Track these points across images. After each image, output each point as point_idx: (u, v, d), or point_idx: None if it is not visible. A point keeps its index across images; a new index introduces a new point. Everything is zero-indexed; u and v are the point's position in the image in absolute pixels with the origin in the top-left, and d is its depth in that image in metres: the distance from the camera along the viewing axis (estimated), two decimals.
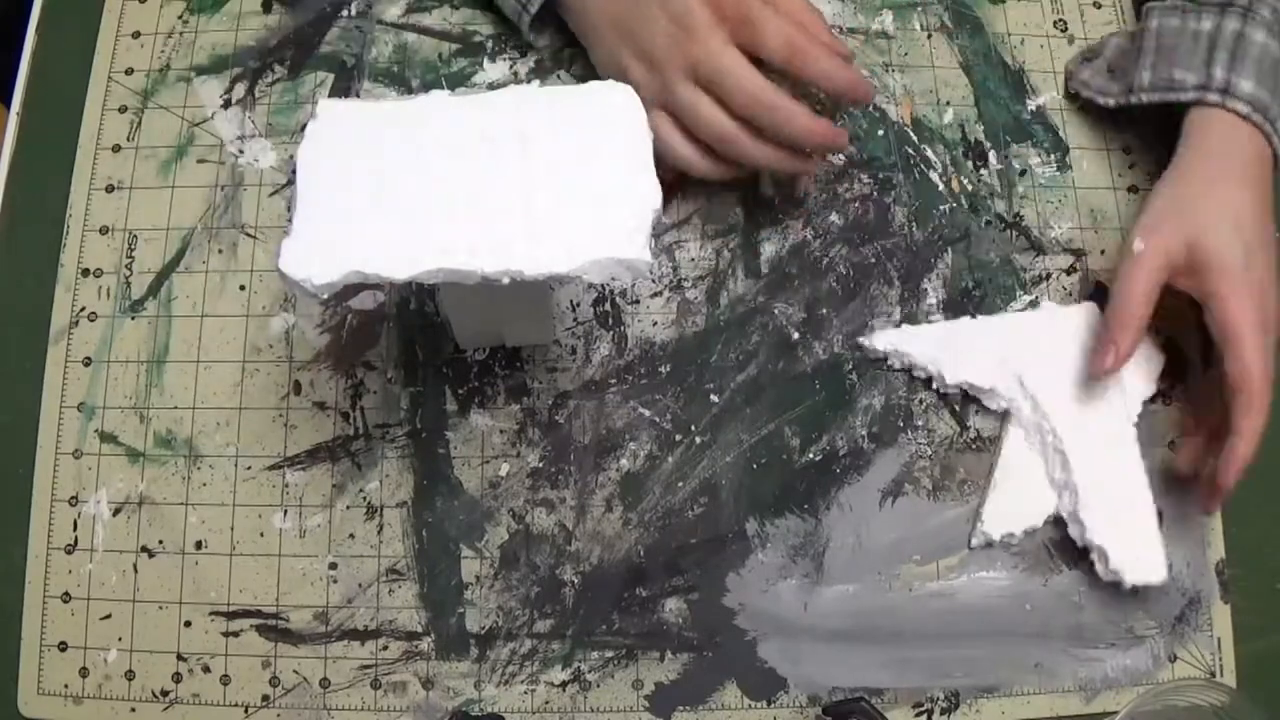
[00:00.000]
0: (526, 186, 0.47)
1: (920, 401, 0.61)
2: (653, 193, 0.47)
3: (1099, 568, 0.57)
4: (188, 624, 0.57)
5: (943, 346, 0.60)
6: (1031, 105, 0.67)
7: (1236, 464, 0.54)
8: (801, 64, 0.55)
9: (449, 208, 0.46)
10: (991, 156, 0.66)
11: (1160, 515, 0.59)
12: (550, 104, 0.49)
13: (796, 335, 0.62)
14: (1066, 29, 0.68)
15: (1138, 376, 0.60)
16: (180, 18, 0.67)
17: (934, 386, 0.61)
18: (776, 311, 0.62)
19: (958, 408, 0.61)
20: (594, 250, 0.46)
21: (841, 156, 0.64)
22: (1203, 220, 0.56)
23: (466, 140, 0.48)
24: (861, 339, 0.61)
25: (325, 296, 0.46)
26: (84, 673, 0.57)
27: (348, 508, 0.59)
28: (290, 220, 0.46)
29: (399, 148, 0.48)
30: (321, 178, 0.47)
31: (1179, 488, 0.60)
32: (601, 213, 0.47)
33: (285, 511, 0.59)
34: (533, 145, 0.48)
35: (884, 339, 0.60)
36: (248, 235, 0.63)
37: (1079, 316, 0.60)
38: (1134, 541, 0.56)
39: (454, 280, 0.46)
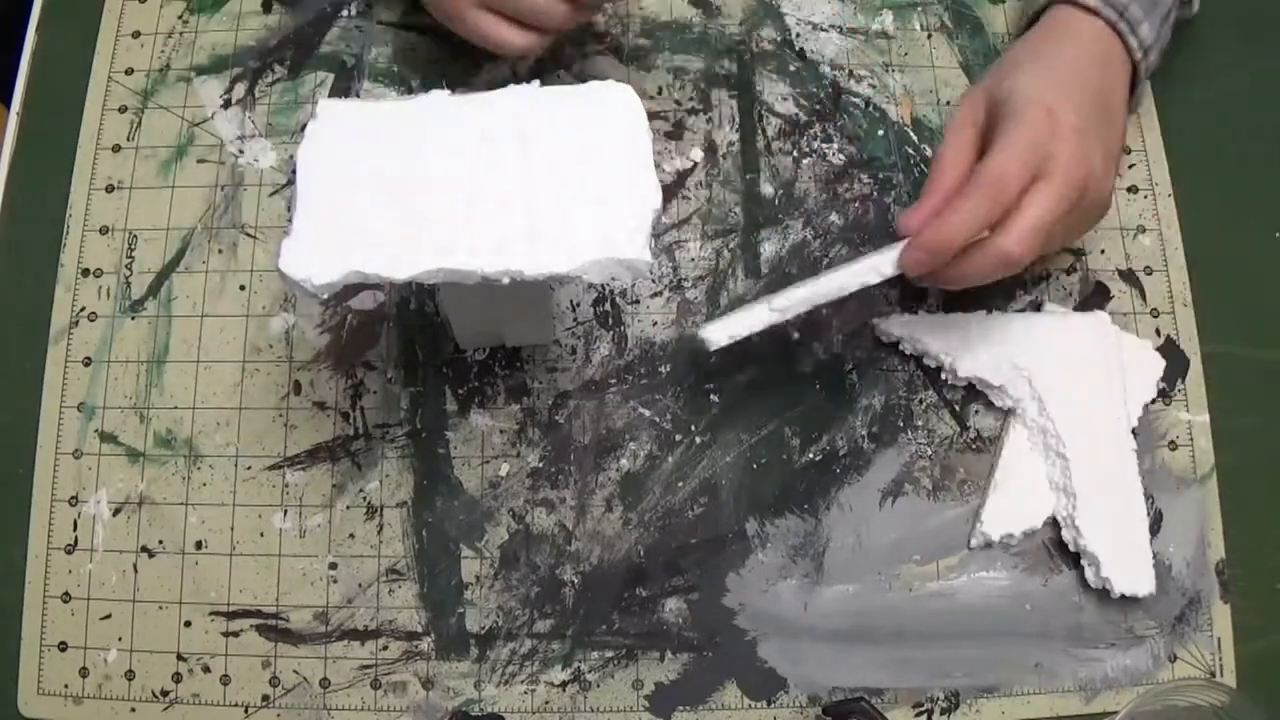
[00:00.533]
0: (526, 187, 0.47)
1: (920, 401, 0.61)
2: (653, 193, 0.47)
3: (1089, 574, 0.57)
4: (188, 624, 0.57)
5: (956, 337, 0.60)
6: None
7: (927, 244, 0.51)
8: None
9: (449, 208, 0.46)
10: None
11: (1160, 516, 0.59)
12: (550, 104, 0.49)
13: (796, 335, 0.62)
14: None
15: (1139, 381, 0.60)
16: (180, 18, 0.67)
17: (942, 377, 0.61)
18: None
19: (958, 408, 0.61)
20: (594, 250, 0.46)
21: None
22: (1009, 69, 0.56)
23: (466, 140, 0.48)
24: (875, 321, 0.61)
25: (325, 296, 0.46)
26: (84, 673, 0.57)
27: (348, 508, 0.59)
28: (290, 220, 0.46)
29: (399, 148, 0.48)
30: (321, 178, 0.47)
31: (1178, 488, 0.60)
32: (601, 213, 0.47)
33: (285, 511, 0.59)
34: (533, 145, 0.48)
35: (898, 324, 0.60)
36: (248, 235, 0.63)
37: (1092, 324, 0.60)
38: (1125, 553, 0.56)
39: (454, 280, 0.46)
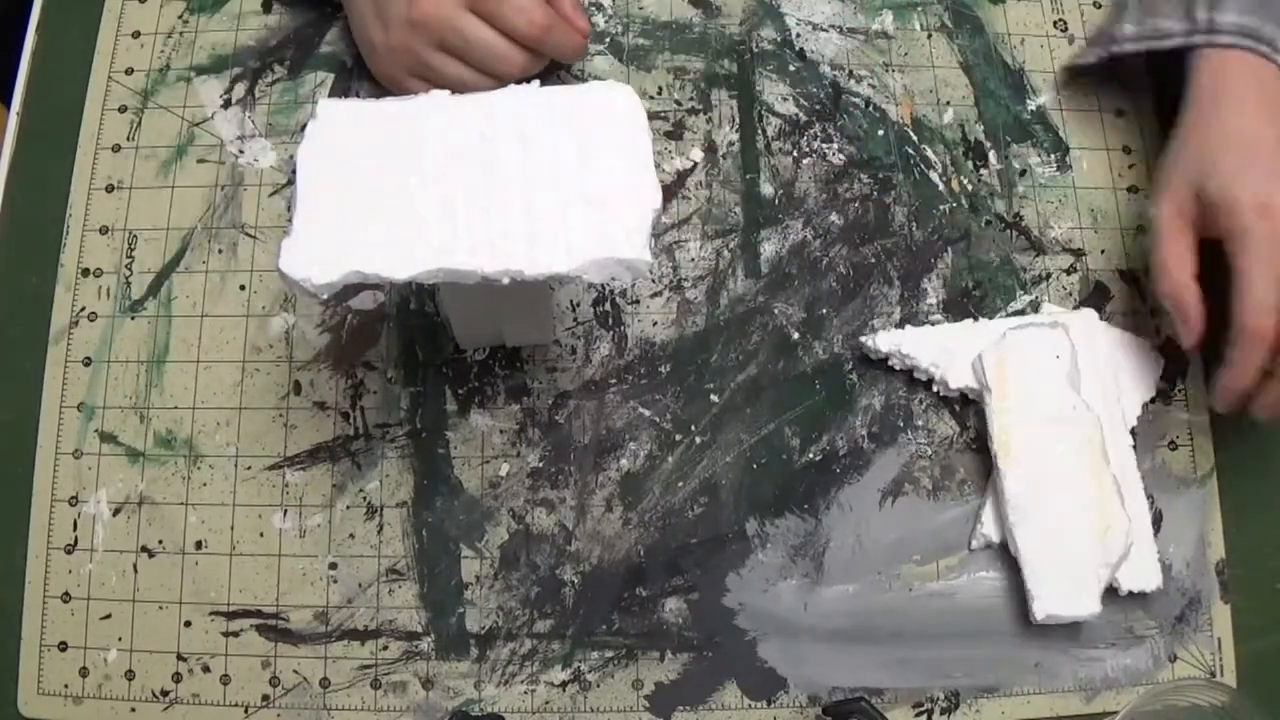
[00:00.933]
0: (526, 187, 0.47)
1: (920, 401, 0.61)
2: (653, 193, 0.47)
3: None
4: (188, 624, 0.57)
5: (945, 349, 0.60)
6: (1031, 105, 0.67)
7: (1222, 391, 0.54)
8: (540, 43, 0.58)
9: (449, 208, 0.46)
10: (991, 156, 0.66)
11: (1160, 515, 0.59)
12: (550, 104, 0.49)
13: (796, 335, 0.62)
14: (1066, 29, 0.68)
15: (1136, 380, 0.60)
16: (180, 18, 0.67)
17: (934, 389, 0.61)
18: (776, 311, 0.62)
19: (958, 408, 0.61)
20: (594, 250, 0.46)
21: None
22: (1206, 159, 0.54)
23: (466, 140, 0.48)
24: (863, 339, 0.61)
25: (325, 296, 0.46)
26: (84, 673, 0.57)
27: (348, 508, 0.59)
28: (290, 220, 0.46)
29: (399, 148, 0.48)
30: (321, 178, 0.47)
31: (1178, 488, 0.60)
32: (601, 213, 0.47)
33: (285, 511, 0.59)
34: (533, 145, 0.48)
35: (886, 340, 0.60)
36: (248, 235, 0.63)
37: (1080, 322, 0.60)
38: (1130, 550, 0.56)
39: (454, 280, 0.46)
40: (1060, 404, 0.57)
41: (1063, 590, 0.55)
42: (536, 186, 0.47)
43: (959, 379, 0.59)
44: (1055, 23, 0.68)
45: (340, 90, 0.66)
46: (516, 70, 0.59)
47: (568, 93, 0.49)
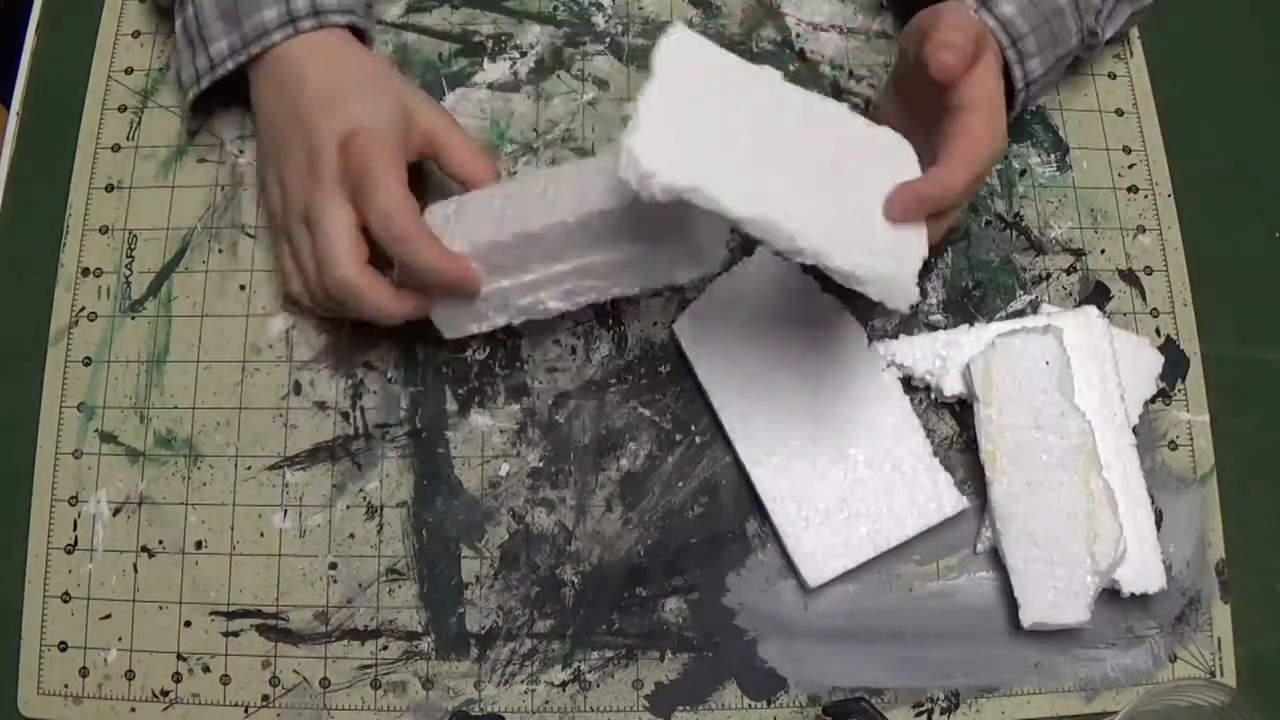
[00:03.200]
0: (835, 187, 0.50)
1: (920, 402, 0.61)
2: (922, 245, 0.51)
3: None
4: (188, 624, 0.57)
5: (939, 356, 0.60)
6: (1031, 105, 0.67)
7: (914, 196, 0.52)
8: (400, 250, 0.53)
9: (775, 171, 0.49)
10: None
11: (1160, 516, 0.59)
12: (853, 129, 0.52)
13: None
14: None
15: (1138, 378, 0.60)
16: None
17: (931, 396, 0.61)
18: None
19: (957, 409, 0.61)
20: (884, 267, 0.49)
21: None
22: (985, 62, 0.55)
23: (791, 122, 0.50)
24: None
25: (658, 195, 0.46)
26: (84, 673, 0.57)
27: (348, 508, 0.59)
28: (638, 106, 0.47)
29: (739, 99, 0.50)
30: (677, 85, 0.48)
31: (1178, 488, 0.60)
32: (884, 239, 0.50)
33: (285, 511, 0.59)
34: (842, 156, 0.51)
35: (880, 349, 0.60)
36: (248, 235, 0.63)
37: (1080, 320, 0.60)
38: (1132, 551, 0.56)
39: (767, 237, 0.48)
40: (1050, 411, 0.57)
41: (1050, 598, 0.55)
42: (841, 189, 0.50)
43: (954, 386, 0.59)
44: None
45: None
46: (331, 289, 0.54)
47: (868, 128, 0.53)
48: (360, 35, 0.60)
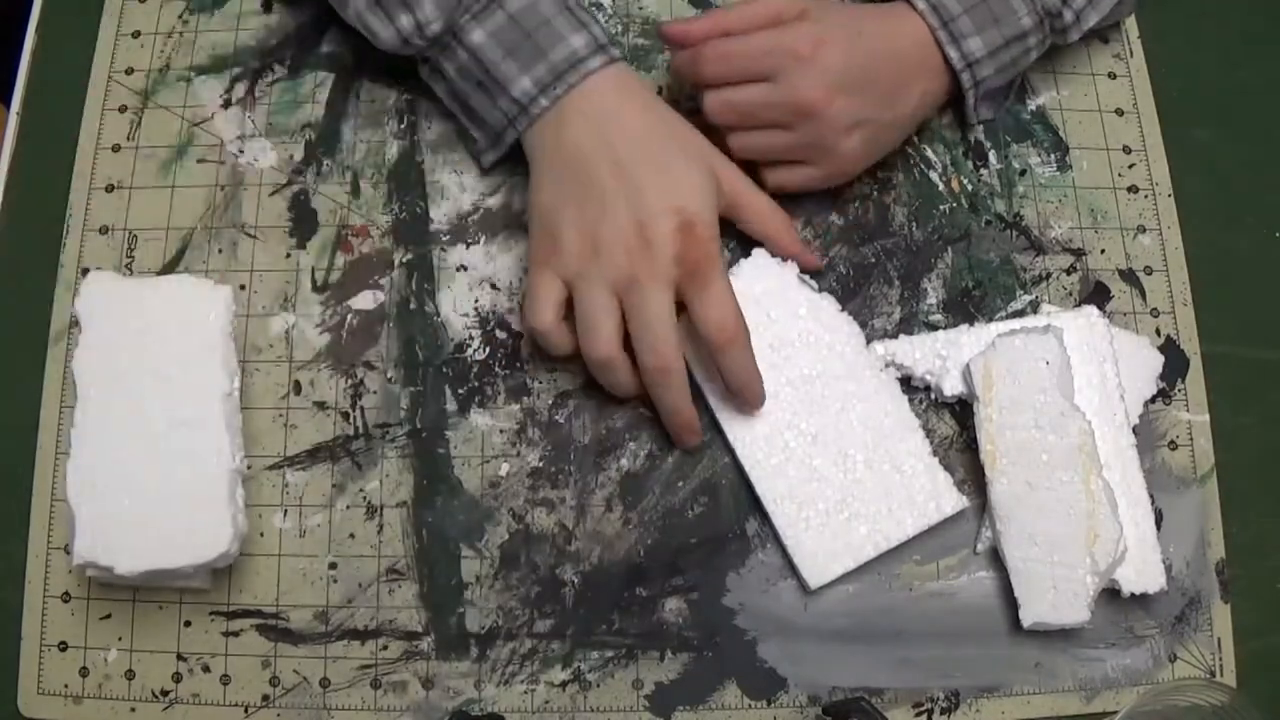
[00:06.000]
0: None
1: (920, 402, 0.61)
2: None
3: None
4: (188, 624, 0.57)
5: (940, 356, 0.60)
6: (1031, 105, 0.67)
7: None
8: (719, 351, 0.55)
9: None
10: (991, 156, 0.66)
11: (1160, 515, 0.59)
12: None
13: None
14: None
15: (1138, 378, 0.60)
16: (180, 17, 0.67)
17: (931, 396, 0.61)
18: None
19: (957, 408, 0.61)
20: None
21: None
22: (828, 9, 0.59)
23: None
24: None
25: None
26: (84, 672, 0.57)
27: (348, 508, 0.59)
28: None
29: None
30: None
31: (1178, 488, 0.60)
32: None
33: (285, 511, 0.59)
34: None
35: (880, 349, 0.60)
36: (248, 235, 0.63)
37: (1080, 320, 0.60)
38: (1132, 551, 0.56)
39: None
40: (1050, 411, 0.57)
41: (1050, 598, 0.55)
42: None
43: (954, 386, 0.59)
44: None
45: (341, 90, 0.66)
46: (634, 376, 0.57)
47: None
48: None
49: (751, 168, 0.61)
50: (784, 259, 0.60)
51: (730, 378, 0.56)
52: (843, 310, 0.60)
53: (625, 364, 0.56)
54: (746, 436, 0.58)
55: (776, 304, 0.60)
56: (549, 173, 0.57)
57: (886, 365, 0.60)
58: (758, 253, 0.60)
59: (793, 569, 0.57)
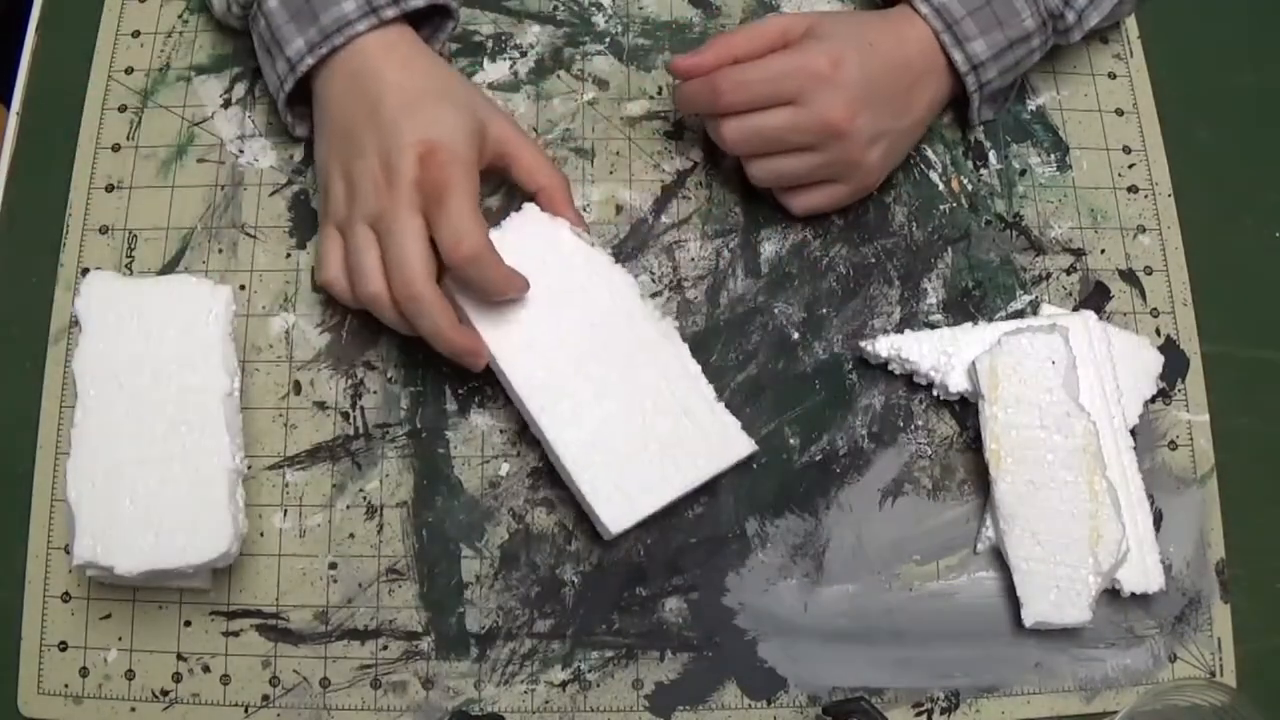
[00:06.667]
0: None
1: (920, 401, 0.61)
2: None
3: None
4: (188, 624, 0.57)
5: (944, 353, 0.60)
6: (1031, 105, 0.67)
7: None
8: (459, 269, 0.54)
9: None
10: (991, 156, 0.66)
11: (1160, 516, 0.59)
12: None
13: (796, 335, 0.62)
14: None
15: (1137, 378, 0.60)
16: (180, 17, 0.67)
17: (934, 393, 0.61)
18: (776, 311, 0.62)
19: (958, 408, 0.61)
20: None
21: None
22: (833, 21, 0.59)
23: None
24: (863, 344, 0.61)
25: None
26: (84, 672, 0.57)
27: (348, 508, 0.59)
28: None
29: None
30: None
31: (1178, 488, 0.60)
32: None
33: (285, 511, 0.59)
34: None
35: (885, 345, 0.60)
36: (248, 235, 0.63)
37: (1079, 323, 0.60)
38: (1132, 551, 0.56)
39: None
40: (1055, 410, 0.57)
41: (1052, 597, 0.55)
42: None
43: (958, 383, 0.59)
44: None
45: None
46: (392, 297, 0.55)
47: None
48: (447, 11, 0.60)
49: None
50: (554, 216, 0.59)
51: (480, 293, 0.55)
52: (616, 264, 0.59)
53: (390, 302, 0.55)
54: (532, 384, 0.56)
55: (552, 254, 0.58)
56: (321, 133, 0.59)
57: (890, 361, 0.60)
58: (529, 207, 0.59)
59: (587, 519, 0.57)
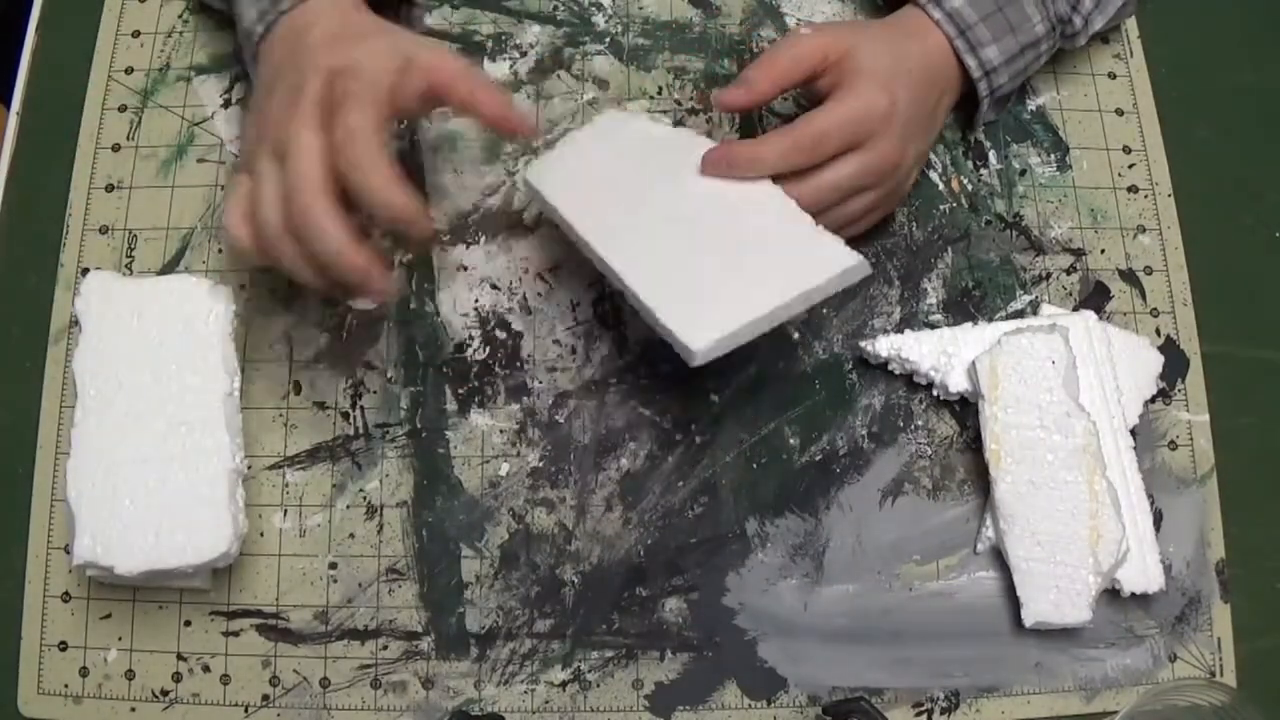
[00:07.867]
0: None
1: (920, 401, 0.61)
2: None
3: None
4: (188, 623, 0.57)
5: (944, 353, 0.60)
6: (1031, 105, 0.67)
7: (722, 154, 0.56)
8: (352, 176, 0.50)
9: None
10: (991, 156, 0.66)
11: (1160, 516, 0.59)
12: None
13: (796, 335, 0.62)
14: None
15: (1137, 378, 0.60)
16: (180, 17, 0.67)
17: (934, 393, 0.61)
18: None
19: (958, 407, 0.61)
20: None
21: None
22: (869, 43, 0.58)
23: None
24: (863, 344, 0.61)
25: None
26: (84, 672, 0.57)
27: (348, 507, 0.59)
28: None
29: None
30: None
31: (1178, 488, 0.60)
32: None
33: (285, 511, 0.59)
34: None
35: (885, 345, 0.60)
36: None
37: (1079, 323, 0.60)
38: (1132, 551, 0.56)
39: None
40: (1055, 410, 0.57)
41: (1052, 597, 0.55)
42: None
43: (959, 383, 0.59)
44: None
45: None
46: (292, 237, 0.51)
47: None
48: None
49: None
50: (499, 131, 0.57)
51: (373, 208, 0.50)
52: (709, 141, 0.57)
53: (287, 236, 0.51)
54: (616, 247, 0.54)
55: (640, 150, 0.58)
56: (255, 88, 0.57)
57: (891, 361, 0.60)
58: (609, 111, 0.60)
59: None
